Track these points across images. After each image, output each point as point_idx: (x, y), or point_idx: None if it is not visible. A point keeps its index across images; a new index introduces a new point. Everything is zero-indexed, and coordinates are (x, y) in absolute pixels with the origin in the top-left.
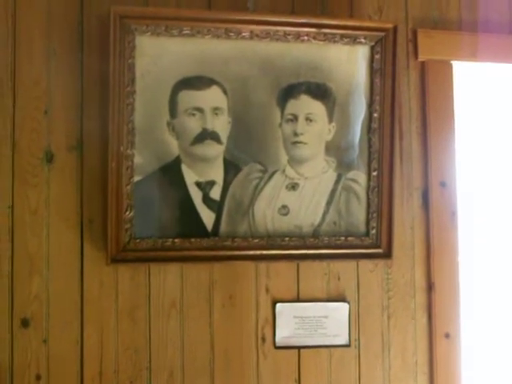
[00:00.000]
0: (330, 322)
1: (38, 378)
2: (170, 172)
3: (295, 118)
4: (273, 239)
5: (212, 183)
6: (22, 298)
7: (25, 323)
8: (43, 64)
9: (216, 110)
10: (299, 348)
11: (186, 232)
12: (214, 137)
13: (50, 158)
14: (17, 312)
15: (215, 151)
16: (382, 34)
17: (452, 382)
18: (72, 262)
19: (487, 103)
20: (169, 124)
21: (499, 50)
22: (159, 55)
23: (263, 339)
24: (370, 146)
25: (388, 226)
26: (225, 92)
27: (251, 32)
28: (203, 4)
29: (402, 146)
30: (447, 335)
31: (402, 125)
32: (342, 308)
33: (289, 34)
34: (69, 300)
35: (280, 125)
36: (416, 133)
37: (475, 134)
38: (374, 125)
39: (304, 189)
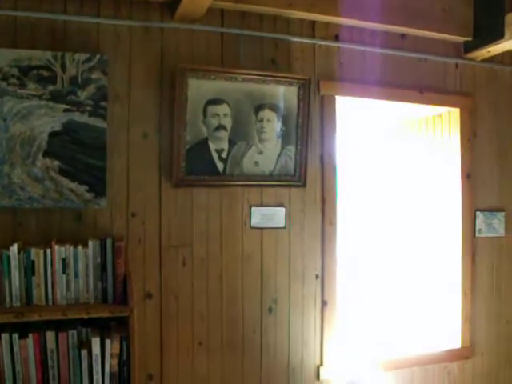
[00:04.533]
0: (276, 216)
1: (139, 240)
2: (202, 144)
3: (262, 120)
4: (250, 177)
5: (222, 150)
6: (135, 200)
7: (133, 215)
8: (141, 96)
9: (225, 115)
10: (262, 228)
11: (209, 173)
12: (224, 128)
13: (145, 136)
14: (130, 209)
15: (224, 134)
16: (303, 81)
17: None
18: (155, 187)
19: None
20: (202, 121)
21: (355, 91)
22: (198, 88)
23: (245, 223)
24: (296, 134)
25: (304, 171)
26: (229, 106)
27: (242, 78)
28: (218, 62)
29: (311, 134)
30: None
31: (311, 123)
32: (282, 210)
33: (260, 79)
34: (154, 203)
35: (255, 123)
36: (318, 127)
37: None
38: (299, 124)
39: (265, 153)
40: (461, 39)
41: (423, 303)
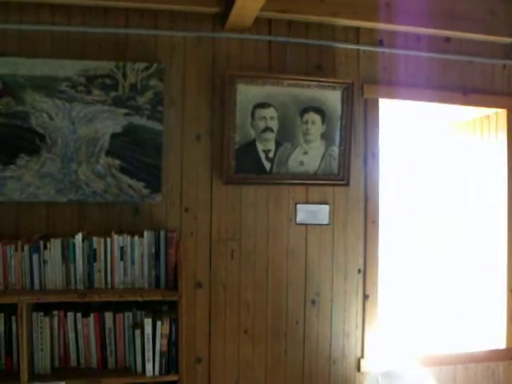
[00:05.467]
0: (321, 213)
1: (191, 233)
2: (251, 145)
3: (307, 122)
4: (296, 176)
5: (269, 150)
6: (188, 196)
7: (186, 210)
8: (194, 101)
9: (272, 118)
10: (307, 225)
11: (257, 171)
12: (271, 129)
13: (197, 138)
14: (183, 204)
15: (271, 136)
16: (347, 85)
17: None
18: (207, 185)
19: (396, 117)
20: (250, 123)
21: (399, 94)
22: (247, 93)
23: (291, 220)
24: (340, 135)
25: (348, 171)
26: (276, 110)
27: (288, 83)
28: (266, 68)
29: (355, 135)
30: (373, 221)
31: (355, 125)
32: (326, 207)
33: (305, 84)
34: (205, 199)
35: (300, 125)
36: (361, 129)
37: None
38: (342, 126)
39: (310, 154)
40: (508, 40)
41: (467, 301)
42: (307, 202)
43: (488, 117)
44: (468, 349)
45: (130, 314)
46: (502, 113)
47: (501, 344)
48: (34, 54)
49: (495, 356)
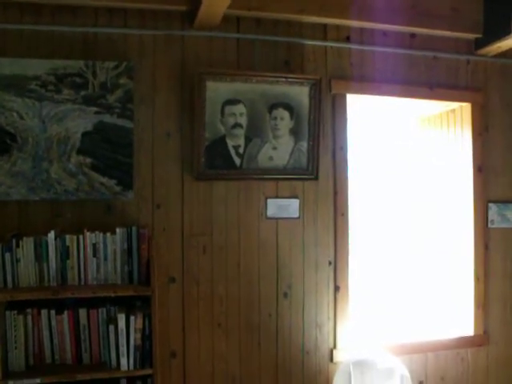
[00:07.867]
0: (291, 207)
1: (163, 229)
2: (221, 141)
3: (276, 118)
4: (265, 171)
5: (239, 146)
6: (159, 193)
7: (158, 206)
8: (164, 98)
9: (241, 114)
10: (277, 219)
11: (227, 167)
12: (240, 126)
13: (168, 135)
14: (155, 201)
15: (240, 132)
16: (314, 81)
17: None
18: (178, 181)
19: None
20: (220, 120)
21: (366, 89)
22: (216, 90)
23: (261, 214)
24: (309, 130)
25: (317, 165)
26: (245, 106)
27: (257, 79)
28: (235, 65)
29: (323, 130)
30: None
31: (323, 120)
32: (296, 201)
33: (273, 80)
34: (177, 195)
35: (269, 121)
36: (330, 124)
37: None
38: (311, 121)
39: (279, 149)
40: (471, 36)
41: (435, 290)
42: (277, 197)
43: (453, 110)
44: (438, 337)
45: (104, 309)
46: (467, 106)
47: (469, 331)
48: (2, 53)
49: (464, 343)
